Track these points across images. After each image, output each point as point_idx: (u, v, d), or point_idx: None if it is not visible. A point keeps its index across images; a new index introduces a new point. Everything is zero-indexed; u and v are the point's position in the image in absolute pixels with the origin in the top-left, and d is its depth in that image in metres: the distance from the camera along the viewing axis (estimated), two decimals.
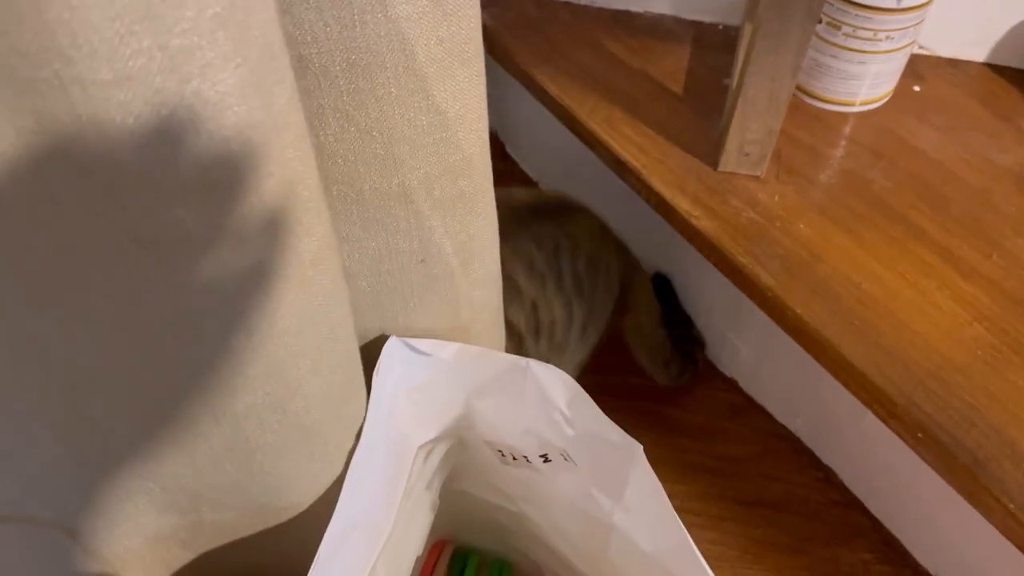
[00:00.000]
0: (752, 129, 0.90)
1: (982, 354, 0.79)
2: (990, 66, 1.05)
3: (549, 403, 0.56)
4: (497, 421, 0.62)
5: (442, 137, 0.49)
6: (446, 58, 0.45)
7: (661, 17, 1.12)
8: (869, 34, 0.93)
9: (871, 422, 0.81)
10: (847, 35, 0.94)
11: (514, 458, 0.64)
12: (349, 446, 0.57)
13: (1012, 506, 0.71)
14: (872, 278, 0.85)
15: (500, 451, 0.65)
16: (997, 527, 0.73)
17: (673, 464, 1.00)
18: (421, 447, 0.64)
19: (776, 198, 0.92)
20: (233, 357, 0.42)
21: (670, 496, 1.01)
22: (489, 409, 0.62)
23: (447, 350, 0.57)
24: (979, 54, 1.05)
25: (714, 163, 0.95)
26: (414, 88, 0.45)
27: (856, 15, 0.92)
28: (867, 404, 0.80)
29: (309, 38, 0.41)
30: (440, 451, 0.67)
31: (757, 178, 0.94)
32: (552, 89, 1.03)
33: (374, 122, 0.46)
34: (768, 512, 0.95)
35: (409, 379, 0.58)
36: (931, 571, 0.93)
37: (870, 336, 0.80)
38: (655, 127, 0.99)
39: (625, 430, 0.56)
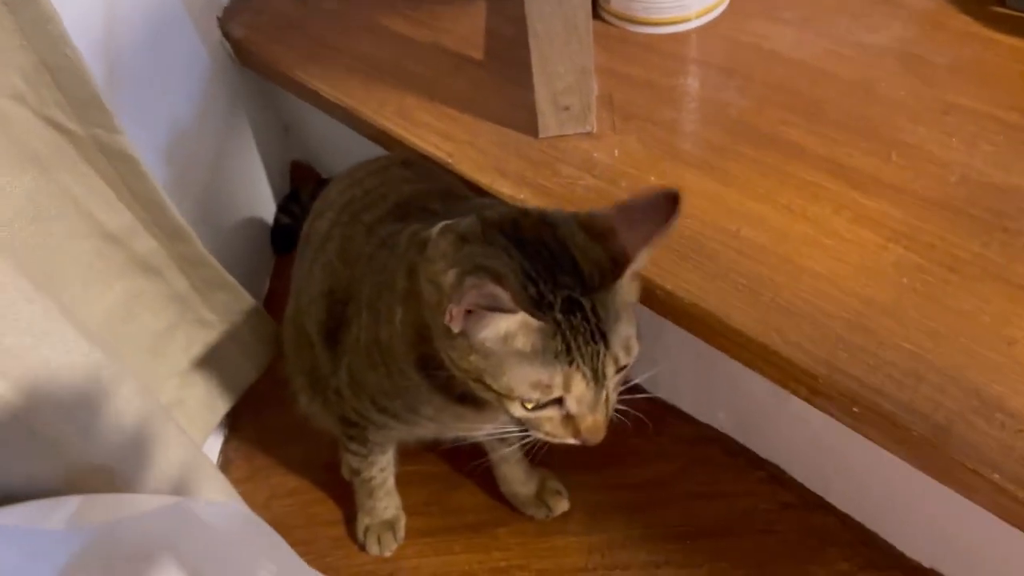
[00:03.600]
0: (560, 74, 0.70)
1: (908, 282, 0.60)
2: None
3: None
4: None
5: None
6: None
7: None
8: None
9: (801, 401, 0.61)
10: None
11: None
12: None
13: (997, 476, 0.51)
14: (751, 221, 0.65)
15: None
16: (984, 506, 0.54)
17: (584, 509, 0.79)
18: None
19: (616, 153, 0.73)
20: None
21: (586, 552, 0.81)
22: None
23: (62, 510, 0.36)
24: None
25: (534, 130, 0.75)
26: None
27: None
28: (782, 384, 0.60)
29: None
30: None
31: (589, 134, 0.75)
32: (326, 90, 0.83)
33: None
34: (712, 541, 0.75)
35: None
36: (924, 564, 0.73)
37: (763, 296, 0.61)
38: (458, 105, 0.80)
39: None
